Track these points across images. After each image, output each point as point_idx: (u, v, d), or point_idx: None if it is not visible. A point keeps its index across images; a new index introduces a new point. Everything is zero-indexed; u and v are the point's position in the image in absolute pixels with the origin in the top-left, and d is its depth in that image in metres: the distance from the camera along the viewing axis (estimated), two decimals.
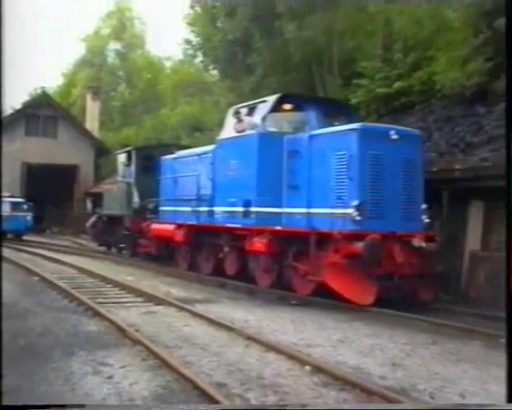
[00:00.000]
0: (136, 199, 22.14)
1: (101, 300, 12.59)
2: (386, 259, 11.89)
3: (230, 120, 15.66)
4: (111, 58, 57.24)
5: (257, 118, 14.59)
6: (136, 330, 9.49)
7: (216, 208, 16.02)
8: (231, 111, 15.85)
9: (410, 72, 18.99)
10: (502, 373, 7.57)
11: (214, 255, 16.60)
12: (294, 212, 13.53)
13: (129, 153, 23.61)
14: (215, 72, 35.34)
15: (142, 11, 58.39)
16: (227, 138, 15.70)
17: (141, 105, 51.13)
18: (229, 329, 9.78)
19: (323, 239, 12.37)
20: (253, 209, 14.33)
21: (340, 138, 12.78)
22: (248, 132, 14.67)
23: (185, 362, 7.70)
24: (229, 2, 26.70)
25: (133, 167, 22.87)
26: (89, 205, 31.76)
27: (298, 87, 25.00)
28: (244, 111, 15.14)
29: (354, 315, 11.37)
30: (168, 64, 55.50)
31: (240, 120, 15.03)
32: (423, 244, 12.13)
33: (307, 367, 7.55)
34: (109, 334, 9.49)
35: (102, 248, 26.00)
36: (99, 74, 52.85)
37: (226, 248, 15.91)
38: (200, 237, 17.19)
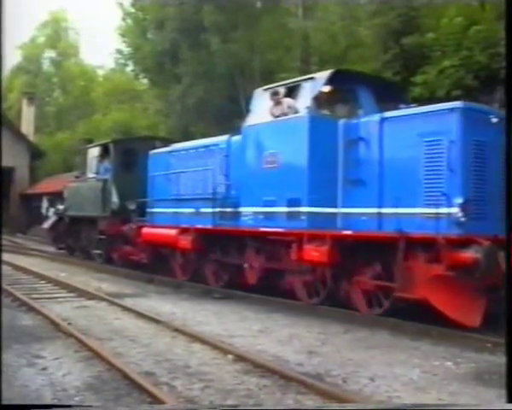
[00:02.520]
0: (115, 199, 18.47)
1: (36, 295, 12.34)
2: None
3: (264, 103, 12.02)
4: (46, 66, 56.22)
5: (304, 99, 11.23)
6: (69, 324, 9.35)
7: (243, 209, 12.46)
8: (264, 93, 12.19)
9: None
10: (405, 357, 7.79)
11: (234, 265, 13.35)
12: (360, 212, 10.52)
13: (105, 146, 19.76)
14: (145, 80, 35.20)
15: (76, 22, 57.23)
16: (259, 124, 12.10)
17: (75, 111, 50.25)
18: (156, 321, 9.73)
19: (414, 246, 9.41)
20: (304, 210, 11.02)
21: (432, 121, 9.70)
22: (294, 116, 11.33)
23: (116, 353, 7.63)
24: (158, 15, 26.68)
25: (111, 163, 19.14)
26: (45, 204, 29.60)
27: (222, 95, 25.12)
28: (282, 91, 11.70)
29: (273, 307, 11.44)
30: (101, 72, 54.99)
31: (278, 103, 11.59)
32: None
33: (230, 356, 7.57)
34: (43, 328, 9.33)
35: (38, 247, 25.00)
36: (34, 81, 51.80)
37: (255, 257, 12.61)
38: (213, 243, 13.81)
